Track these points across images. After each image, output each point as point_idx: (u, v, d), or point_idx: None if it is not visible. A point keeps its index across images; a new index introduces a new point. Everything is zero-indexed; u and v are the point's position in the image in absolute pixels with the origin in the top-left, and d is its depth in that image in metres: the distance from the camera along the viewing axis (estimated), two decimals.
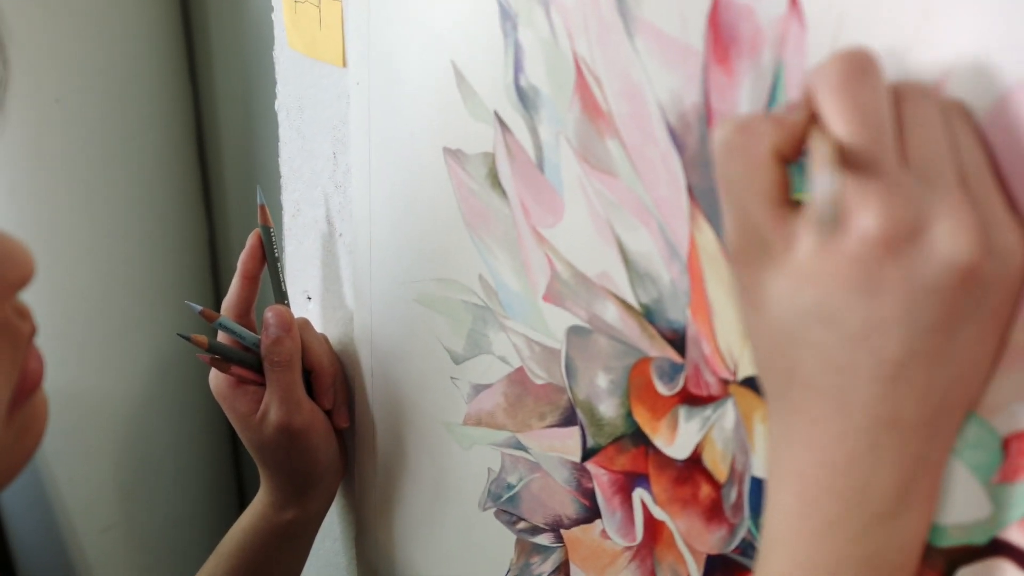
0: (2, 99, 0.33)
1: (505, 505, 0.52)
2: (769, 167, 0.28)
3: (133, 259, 0.91)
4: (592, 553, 0.47)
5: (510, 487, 0.51)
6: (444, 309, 0.52)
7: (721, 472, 0.39)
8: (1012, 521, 0.30)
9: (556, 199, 0.42)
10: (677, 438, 0.41)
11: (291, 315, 0.58)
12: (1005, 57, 0.26)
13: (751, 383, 0.37)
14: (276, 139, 0.64)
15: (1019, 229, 0.26)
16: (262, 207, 0.60)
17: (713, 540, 0.41)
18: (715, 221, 0.36)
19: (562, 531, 0.49)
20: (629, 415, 0.43)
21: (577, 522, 0.48)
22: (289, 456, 0.59)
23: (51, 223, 0.85)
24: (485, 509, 0.54)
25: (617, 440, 0.44)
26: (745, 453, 0.38)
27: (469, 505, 0.55)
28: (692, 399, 0.39)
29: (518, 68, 0.42)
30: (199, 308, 0.57)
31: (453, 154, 0.47)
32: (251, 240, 0.60)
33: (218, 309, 0.60)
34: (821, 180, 0.25)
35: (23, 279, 0.30)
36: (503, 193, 0.45)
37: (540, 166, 0.43)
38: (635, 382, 0.42)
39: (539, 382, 0.47)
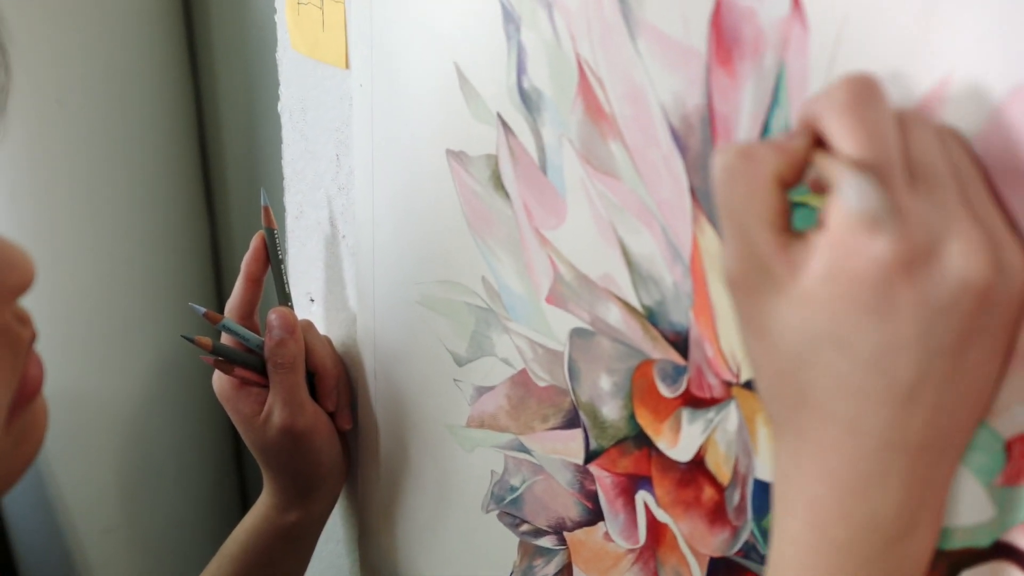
0: (4, 104, 0.33)
1: (508, 507, 0.52)
2: (771, 192, 0.28)
3: (136, 261, 0.91)
4: (595, 555, 0.47)
5: (513, 489, 0.51)
6: (447, 311, 0.52)
7: (724, 474, 0.39)
8: (1015, 524, 0.30)
9: (559, 201, 0.42)
10: (680, 440, 0.41)
11: (294, 317, 0.58)
12: (1006, 58, 0.26)
13: (754, 386, 0.37)
14: (279, 141, 0.64)
15: (1019, 246, 0.27)
16: (266, 209, 0.60)
17: (716, 543, 0.41)
18: (717, 223, 0.36)
19: (565, 533, 0.49)
20: (632, 417, 0.43)
21: (580, 524, 0.48)
22: (292, 458, 0.59)
23: (53, 225, 0.84)
24: (488, 511, 0.54)
25: (620, 442, 0.44)
26: (748, 455, 0.38)
27: (472, 507, 0.55)
28: (695, 401, 0.39)
29: (521, 70, 0.42)
30: (203, 310, 0.57)
31: (456, 156, 0.47)
32: (255, 242, 0.60)
33: (221, 311, 0.60)
34: (853, 181, 0.25)
35: (23, 285, 0.30)
36: (506, 195, 0.45)
37: (543, 168, 0.43)
38: (638, 384, 0.42)
39: (542, 384, 0.47)
